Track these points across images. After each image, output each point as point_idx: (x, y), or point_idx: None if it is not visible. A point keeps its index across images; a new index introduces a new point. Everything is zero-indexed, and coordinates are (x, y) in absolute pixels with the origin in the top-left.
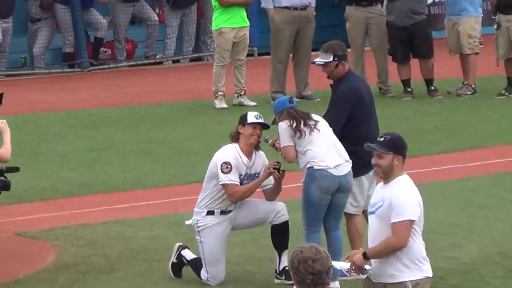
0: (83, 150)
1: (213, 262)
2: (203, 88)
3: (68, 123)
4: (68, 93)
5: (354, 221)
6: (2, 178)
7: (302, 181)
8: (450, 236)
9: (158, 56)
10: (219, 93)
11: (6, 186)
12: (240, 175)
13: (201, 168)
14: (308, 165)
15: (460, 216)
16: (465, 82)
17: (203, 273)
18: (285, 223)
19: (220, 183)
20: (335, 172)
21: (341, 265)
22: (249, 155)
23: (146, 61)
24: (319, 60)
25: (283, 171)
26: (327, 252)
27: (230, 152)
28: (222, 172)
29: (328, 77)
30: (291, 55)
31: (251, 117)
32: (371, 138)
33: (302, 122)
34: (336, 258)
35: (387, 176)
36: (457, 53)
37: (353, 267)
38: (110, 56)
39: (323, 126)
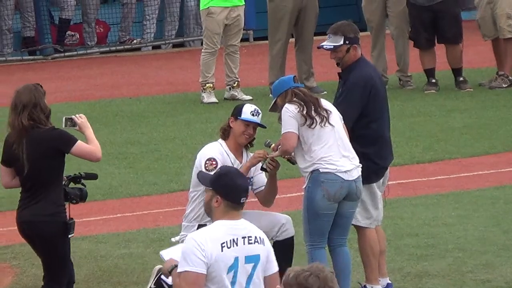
0: None
1: None
2: (189, 79)
3: None
4: None
5: (367, 235)
6: (79, 186)
7: (303, 187)
8: (482, 255)
9: (135, 41)
10: (207, 85)
11: (83, 196)
12: None
13: (186, 174)
14: (313, 167)
15: (493, 231)
16: (500, 73)
17: None
18: (290, 239)
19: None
20: (345, 177)
21: None
22: (238, 154)
23: (121, 47)
24: (327, 43)
25: (275, 161)
26: (333, 271)
27: (215, 148)
28: (207, 170)
29: (338, 64)
30: (292, 40)
31: (247, 111)
32: (383, 139)
33: (313, 109)
34: (345, 280)
35: (210, 217)
36: (492, 37)
37: None
38: (78, 41)
39: (336, 119)
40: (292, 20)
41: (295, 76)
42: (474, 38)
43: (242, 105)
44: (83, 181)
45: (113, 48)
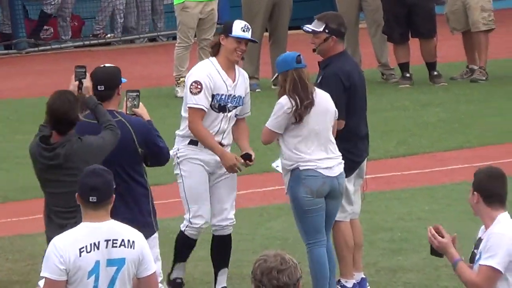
0: (21, 148)
1: (196, 197)
2: (163, 74)
3: (2, 116)
4: (2, 79)
5: (342, 229)
6: None
7: (285, 186)
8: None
9: (109, 36)
10: (181, 79)
11: None
12: (222, 94)
13: (161, 168)
14: (293, 166)
15: (469, 225)
16: (470, 66)
17: (183, 223)
18: (229, 237)
19: (186, 105)
20: (326, 173)
21: None
22: (230, 71)
23: (95, 41)
24: (307, 26)
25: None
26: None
27: (205, 68)
28: (190, 92)
29: (314, 50)
30: (266, 34)
31: (237, 28)
32: (361, 136)
33: (308, 108)
34: (330, 276)
35: None
36: (461, 30)
37: None
38: (53, 35)
39: (323, 118)
40: (267, 14)
41: (299, 55)
42: (448, 32)
43: (232, 22)
44: None
45: (87, 42)
